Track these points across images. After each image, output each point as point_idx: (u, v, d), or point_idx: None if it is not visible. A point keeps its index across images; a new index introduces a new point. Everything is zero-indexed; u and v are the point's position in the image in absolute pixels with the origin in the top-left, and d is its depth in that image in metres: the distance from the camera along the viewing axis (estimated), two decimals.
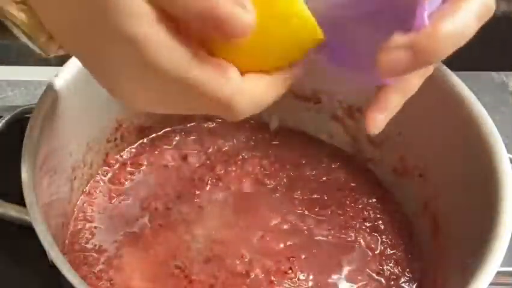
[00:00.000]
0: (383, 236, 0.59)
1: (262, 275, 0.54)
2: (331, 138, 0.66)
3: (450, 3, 0.38)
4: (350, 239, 0.58)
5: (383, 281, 0.56)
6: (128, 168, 0.62)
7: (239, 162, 0.63)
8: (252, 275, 0.54)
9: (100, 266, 0.54)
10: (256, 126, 0.66)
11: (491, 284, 0.45)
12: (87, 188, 0.60)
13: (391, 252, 0.58)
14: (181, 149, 0.64)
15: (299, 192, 0.61)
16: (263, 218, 0.59)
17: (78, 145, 0.57)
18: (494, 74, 0.79)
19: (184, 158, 0.63)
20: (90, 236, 0.56)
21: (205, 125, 0.66)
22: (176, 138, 0.65)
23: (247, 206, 0.59)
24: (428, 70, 0.44)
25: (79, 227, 0.57)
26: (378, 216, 0.60)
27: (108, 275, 0.54)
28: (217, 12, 0.34)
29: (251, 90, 0.39)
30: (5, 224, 0.50)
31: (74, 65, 0.54)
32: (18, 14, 0.41)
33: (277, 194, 0.61)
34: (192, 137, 0.65)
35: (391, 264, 0.57)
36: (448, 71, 0.57)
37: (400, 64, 0.37)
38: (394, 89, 0.43)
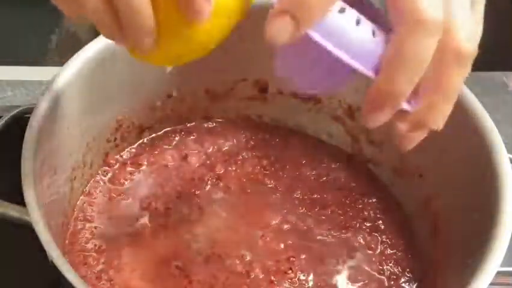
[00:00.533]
0: (383, 236, 0.59)
1: (262, 275, 0.54)
2: (331, 138, 0.66)
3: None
4: (350, 239, 0.58)
5: (383, 281, 0.56)
6: (128, 168, 0.62)
7: (239, 162, 0.63)
8: (252, 275, 0.54)
9: (100, 266, 0.54)
10: (256, 126, 0.66)
11: (491, 284, 0.45)
12: (87, 188, 0.60)
13: (391, 252, 0.58)
14: (181, 149, 0.64)
15: (299, 192, 0.61)
16: (263, 218, 0.59)
17: (78, 145, 0.57)
18: (494, 74, 0.79)
19: (184, 158, 0.63)
20: (90, 236, 0.56)
21: (205, 125, 0.66)
22: (176, 138, 0.65)
23: (247, 206, 0.59)
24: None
25: (79, 227, 0.57)
26: (378, 216, 0.60)
27: (108, 275, 0.54)
28: None
29: None
30: (5, 224, 0.50)
31: (74, 65, 0.54)
32: None
33: (277, 194, 0.61)
34: (192, 137, 0.65)
35: (391, 264, 0.57)
36: None
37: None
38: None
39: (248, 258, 0.55)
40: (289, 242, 0.57)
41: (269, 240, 0.57)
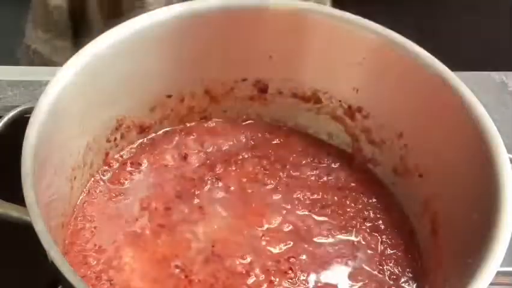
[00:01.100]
0: (383, 236, 0.59)
1: (263, 275, 0.54)
2: (331, 138, 0.66)
3: None
4: (350, 238, 0.58)
5: (383, 280, 0.56)
6: (128, 168, 0.62)
7: (239, 162, 0.63)
8: (252, 275, 0.54)
9: (100, 266, 0.54)
10: (256, 126, 0.66)
11: (492, 284, 0.46)
12: (87, 187, 0.60)
13: (391, 252, 0.58)
14: (181, 148, 0.64)
15: (299, 192, 0.61)
16: (263, 218, 0.59)
17: (78, 145, 0.57)
18: (494, 74, 0.79)
19: (184, 157, 0.63)
20: (90, 236, 0.56)
21: (205, 125, 0.66)
22: (176, 138, 0.65)
23: (247, 206, 0.59)
24: None
25: (79, 227, 0.57)
26: (378, 216, 0.60)
27: (108, 275, 0.54)
28: None
29: None
30: (5, 224, 0.50)
31: (73, 65, 0.54)
32: None
33: (277, 194, 0.61)
34: (192, 137, 0.65)
35: (391, 264, 0.57)
36: (448, 71, 0.57)
37: None
38: None
39: (248, 258, 0.55)
40: (290, 242, 0.57)
41: (269, 240, 0.57)
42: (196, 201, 0.59)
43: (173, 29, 0.59)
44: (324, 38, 0.61)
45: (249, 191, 0.61)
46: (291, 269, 0.55)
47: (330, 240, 0.58)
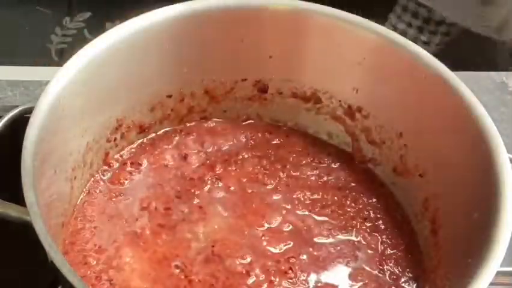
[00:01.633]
0: (383, 236, 0.59)
1: (263, 275, 0.55)
2: (331, 138, 0.66)
3: None
4: (350, 238, 0.58)
5: (383, 280, 0.56)
6: (128, 168, 0.62)
7: (239, 162, 0.63)
8: (252, 275, 0.54)
9: (100, 266, 0.54)
10: (256, 126, 0.66)
11: (491, 283, 0.46)
12: (87, 187, 0.60)
13: (391, 252, 0.58)
14: (181, 148, 0.64)
15: (299, 192, 0.61)
16: (263, 218, 0.59)
17: (78, 145, 0.57)
18: (494, 74, 0.79)
19: (184, 157, 0.63)
20: (90, 236, 0.56)
21: (205, 125, 0.66)
22: (176, 138, 0.65)
23: (247, 206, 0.59)
24: None
25: (79, 226, 0.57)
26: (378, 216, 0.60)
27: (108, 275, 0.54)
28: None
29: None
30: (5, 223, 0.50)
31: (73, 65, 0.54)
32: None
33: (278, 194, 0.61)
34: (192, 137, 0.65)
35: (391, 264, 0.57)
36: (448, 71, 0.57)
37: None
38: None
39: (248, 258, 0.55)
40: (290, 242, 0.57)
41: (269, 240, 0.57)
42: (196, 201, 0.59)
43: (173, 29, 0.59)
44: (324, 38, 0.61)
45: (249, 191, 0.61)
46: (291, 269, 0.55)
47: (330, 240, 0.58)
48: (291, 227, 0.58)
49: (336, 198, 0.61)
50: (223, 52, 0.63)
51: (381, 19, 0.60)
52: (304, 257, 0.56)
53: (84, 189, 0.60)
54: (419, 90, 0.58)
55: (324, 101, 0.65)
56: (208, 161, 0.63)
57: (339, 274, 0.56)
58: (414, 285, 0.56)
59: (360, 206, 0.61)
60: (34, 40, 0.88)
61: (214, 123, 0.66)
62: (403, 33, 0.84)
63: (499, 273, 0.46)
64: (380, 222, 0.60)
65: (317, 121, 0.66)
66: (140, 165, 0.62)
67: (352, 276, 0.56)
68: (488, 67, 0.80)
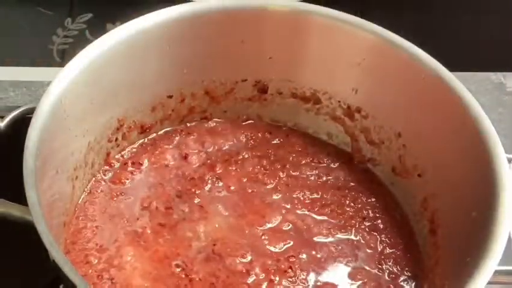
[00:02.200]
0: (382, 235, 0.59)
1: (263, 274, 0.55)
2: (330, 139, 0.66)
3: None
4: (349, 238, 0.58)
5: (382, 279, 0.56)
6: (129, 168, 0.62)
7: (239, 162, 0.63)
8: (252, 274, 0.55)
9: (101, 265, 0.54)
10: (256, 126, 0.67)
11: (490, 283, 0.46)
12: (88, 187, 0.60)
13: (390, 251, 0.58)
14: (182, 148, 0.64)
15: (299, 191, 0.61)
16: (263, 217, 0.59)
17: (79, 145, 0.57)
18: (492, 74, 0.79)
19: (185, 157, 0.63)
20: (91, 235, 0.57)
21: (206, 125, 0.66)
22: (177, 138, 0.65)
23: (247, 205, 0.60)
24: None
25: (81, 226, 0.57)
26: (377, 215, 0.61)
27: (109, 274, 0.54)
28: None
29: None
30: (7, 223, 0.51)
31: (75, 65, 0.54)
32: None
33: (277, 194, 0.61)
34: (192, 137, 0.65)
35: (390, 263, 0.57)
36: (447, 72, 0.57)
37: None
38: None
39: (248, 257, 0.56)
40: (289, 241, 0.57)
41: (269, 239, 0.57)
42: (196, 200, 0.60)
43: (174, 30, 0.59)
44: (323, 38, 0.61)
45: (249, 190, 0.61)
46: (291, 268, 0.55)
47: (330, 239, 0.58)
48: (290, 226, 0.59)
49: (335, 197, 0.61)
50: (223, 53, 0.63)
51: (380, 20, 0.60)
52: (304, 256, 0.56)
53: (85, 189, 0.60)
54: (418, 91, 0.59)
55: (323, 101, 0.65)
56: (208, 161, 0.63)
57: (338, 273, 0.56)
58: (413, 284, 0.56)
59: (360, 206, 0.61)
60: (36, 41, 0.88)
61: (215, 124, 0.67)
62: None
63: (497, 272, 0.47)
64: (379, 221, 0.60)
65: (317, 121, 0.66)
66: (141, 165, 0.62)
67: (351, 275, 0.56)
68: (487, 68, 0.80)
